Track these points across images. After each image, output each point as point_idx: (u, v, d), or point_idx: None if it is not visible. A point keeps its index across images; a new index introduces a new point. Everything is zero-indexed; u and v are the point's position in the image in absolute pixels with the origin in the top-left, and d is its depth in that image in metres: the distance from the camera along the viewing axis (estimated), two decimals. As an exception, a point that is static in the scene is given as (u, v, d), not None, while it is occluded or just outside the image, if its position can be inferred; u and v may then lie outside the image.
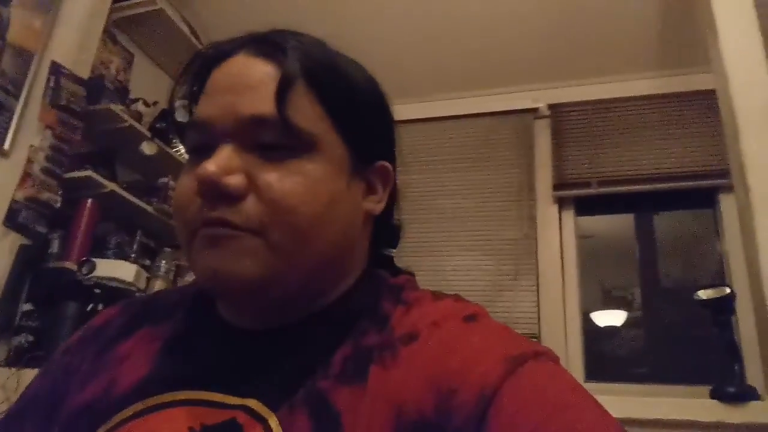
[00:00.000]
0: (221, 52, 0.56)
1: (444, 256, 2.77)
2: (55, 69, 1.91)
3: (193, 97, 0.57)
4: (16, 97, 1.82)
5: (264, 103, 0.50)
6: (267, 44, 0.54)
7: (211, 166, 0.48)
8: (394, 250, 0.69)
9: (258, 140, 0.51)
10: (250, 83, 0.52)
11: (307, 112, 0.52)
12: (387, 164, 0.61)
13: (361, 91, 0.58)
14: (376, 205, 0.60)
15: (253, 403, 0.49)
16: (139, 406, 0.51)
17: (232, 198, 0.49)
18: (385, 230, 0.65)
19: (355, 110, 0.56)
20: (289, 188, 0.50)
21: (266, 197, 0.49)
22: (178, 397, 0.51)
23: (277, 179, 0.50)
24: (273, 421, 0.47)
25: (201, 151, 0.53)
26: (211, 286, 0.52)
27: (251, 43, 0.55)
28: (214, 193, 0.49)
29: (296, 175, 0.50)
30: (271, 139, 0.51)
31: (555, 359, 0.49)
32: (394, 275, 0.62)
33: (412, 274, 0.66)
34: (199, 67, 0.57)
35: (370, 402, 0.47)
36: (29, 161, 1.79)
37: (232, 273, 0.49)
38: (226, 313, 0.58)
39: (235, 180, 0.49)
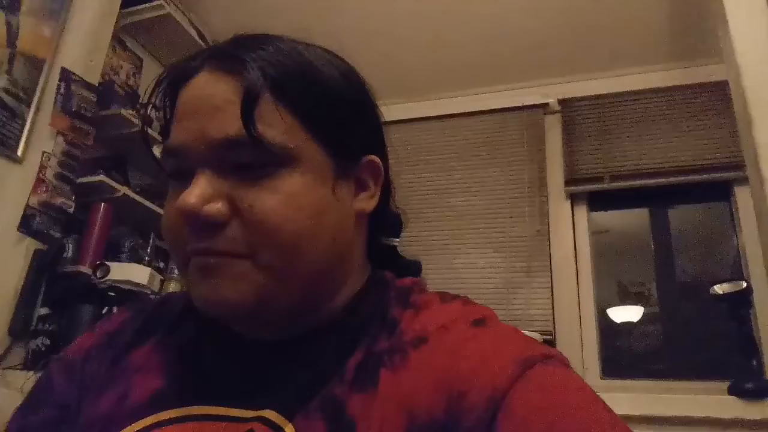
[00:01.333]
0: (185, 71, 0.54)
1: (456, 254, 2.76)
2: (66, 75, 1.93)
3: (167, 121, 0.56)
4: (28, 104, 1.84)
5: (232, 124, 0.49)
6: (228, 58, 0.52)
7: (190, 197, 0.48)
8: (397, 240, 0.68)
9: (233, 162, 0.50)
10: (216, 103, 0.50)
11: (277, 125, 0.50)
12: (374, 158, 0.59)
13: (335, 89, 0.56)
14: (368, 202, 0.59)
15: (269, 413, 0.49)
16: (151, 419, 0.51)
17: (215, 226, 0.49)
18: (383, 222, 0.64)
19: (331, 111, 0.54)
20: (270, 207, 0.49)
21: (249, 220, 0.49)
22: (193, 412, 0.51)
23: (257, 200, 0.49)
24: (289, 430, 0.47)
25: (180, 176, 0.52)
26: (208, 313, 0.51)
27: (213, 59, 0.53)
28: (197, 224, 0.49)
29: (276, 193, 0.49)
30: (246, 159, 0.49)
31: (565, 362, 0.49)
32: (399, 274, 0.62)
33: (418, 264, 0.66)
34: (167, 90, 0.56)
35: (381, 406, 0.47)
36: (42, 167, 1.81)
37: (226, 300, 0.49)
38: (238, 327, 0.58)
39: (216, 208, 0.49)
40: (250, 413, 0.49)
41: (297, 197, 0.50)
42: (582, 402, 0.44)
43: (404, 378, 0.48)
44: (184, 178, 0.51)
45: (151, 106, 0.57)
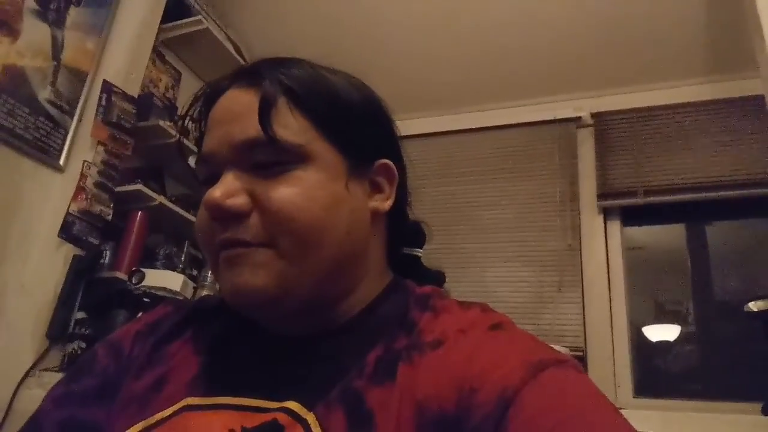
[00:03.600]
0: (216, 90, 0.61)
1: (486, 267, 2.75)
2: (107, 88, 2.00)
3: (201, 135, 0.62)
4: (71, 115, 1.91)
5: (252, 128, 0.55)
6: (248, 75, 0.59)
7: (215, 192, 0.53)
8: (420, 251, 0.71)
9: (253, 161, 0.55)
10: (238, 112, 0.57)
11: (292, 127, 0.56)
12: (387, 162, 0.63)
13: (345, 97, 0.61)
14: (383, 203, 0.62)
15: (291, 404, 0.51)
16: (181, 404, 0.55)
17: (239, 217, 0.54)
18: (403, 229, 0.68)
19: (341, 115, 0.59)
20: (285, 198, 0.54)
21: (268, 210, 0.54)
22: (219, 402, 0.54)
23: (274, 192, 0.54)
24: (311, 419, 0.49)
25: (212, 181, 0.57)
26: (235, 302, 0.56)
27: (239, 77, 0.60)
28: (221, 215, 0.54)
29: (291, 186, 0.54)
30: (264, 158, 0.55)
31: (577, 368, 0.49)
32: (420, 282, 0.64)
33: (442, 275, 0.69)
34: (202, 108, 0.63)
35: (398, 399, 0.49)
36: (83, 176, 1.87)
37: (250, 287, 0.53)
38: (265, 323, 0.61)
39: (238, 200, 0.54)
40: (273, 404, 0.52)
41: (310, 190, 0.55)
42: (593, 405, 0.44)
43: (419, 373, 0.50)
44: (214, 183, 0.56)
45: (188, 119, 0.65)
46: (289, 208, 0.53)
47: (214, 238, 0.55)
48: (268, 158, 0.55)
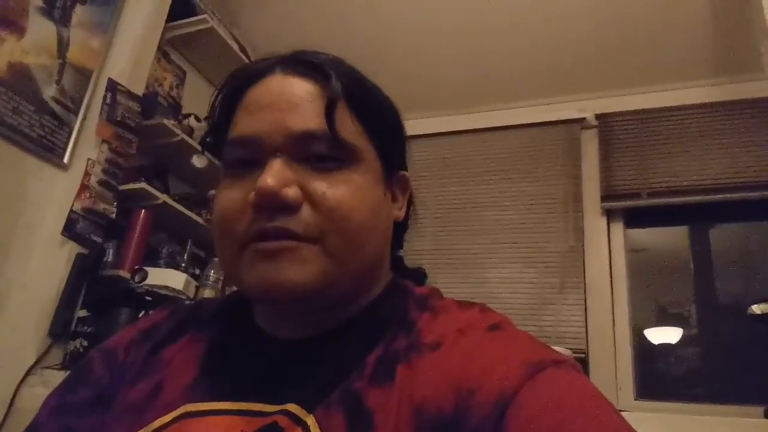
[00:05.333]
0: (256, 72, 0.59)
1: (488, 268, 2.74)
2: (112, 86, 2.00)
3: (228, 115, 0.60)
4: (76, 113, 1.92)
5: (312, 119, 0.54)
6: (303, 64, 0.58)
7: (270, 179, 0.51)
8: (401, 251, 0.71)
9: (307, 153, 0.54)
10: (294, 100, 0.55)
11: (348, 128, 0.56)
12: (406, 174, 0.66)
13: (386, 109, 0.63)
14: (399, 212, 0.64)
15: (291, 407, 0.50)
16: (180, 410, 0.54)
17: (290, 209, 0.52)
18: (400, 235, 0.69)
19: (384, 126, 0.61)
20: (341, 196, 0.53)
21: (321, 206, 0.53)
22: (218, 407, 0.53)
23: (329, 188, 0.53)
24: (311, 421, 0.49)
25: (243, 166, 0.55)
26: (269, 296, 0.54)
27: (286, 63, 0.58)
28: (273, 204, 0.52)
29: (345, 184, 0.54)
30: (322, 151, 0.54)
31: (576, 368, 0.49)
32: (418, 284, 0.64)
33: (422, 271, 0.70)
34: (234, 87, 0.60)
35: (397, 399, 0.48)
36: (87, 174, 1.87)
37: (293, 282, 0.51)
38: (264, 324, 0.61)
39: (293, 191, 0.52)
40: (273, 407, 0.51)
41: (362, 191, 0.55)
42: (591, 406, 0.44)
43: (418, 374, 0.50)
44: (250, 167, 0.55)
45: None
46: (345, 206, 0.53)
47: (250, 226, 0.53)
48: (326, 152, 0.54)
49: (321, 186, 0.53)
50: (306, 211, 0.52)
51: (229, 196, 0.55)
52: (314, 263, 0.52)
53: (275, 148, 0.54)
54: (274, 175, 0.51)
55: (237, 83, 0.60)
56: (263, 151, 0.54)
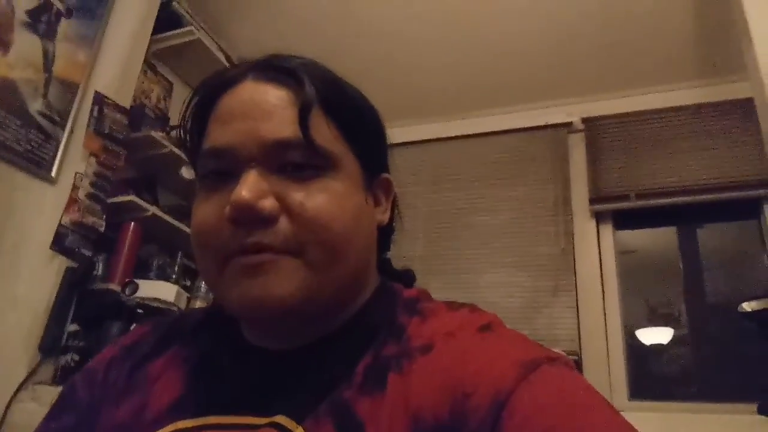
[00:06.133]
0: (228, 80, 0.57)
1: (480, 272, 2.75)
2: (99, 99, 2.00)
3: (201, 125, 0.58)
4: (63, 127, 1.91)
5: (286, 127, 0.52)
6: (276, 70, 0.56)
7: (244, 191, 0.49)
8: (389, 253, 0.70)
9: (282, 162, 0.52)
10: (267, 108, 0.53)
11: (324, 134, 0.54)
12: (388, 176, 0.64)
13: (364, 111, 0.61)
14: (383, 215, 0.62)
15: (281, 419, 0.50)
16: (169, 428, 0.53)
17: (267, 221, 0.50)
18: (386, 238, 0.67)
19: (362, 129, 0.59)
20: (319, 205, 0.51)
21: (299, 217, 0.51)
22: (207, 422, 0.52)
23: (306, 198, 0.51)
24: None
25: (218, 178, 0.54)
26: (252, 312, 0.52)
27: (258, 69, 0.56)
28: (249, 218, 0.50)
29: (323, 193, 0.52)
30: (298, 160, 0.52)
31: (569, 365, 0.49)
32: (406, 286, 0.64)
33: (411, 273, 0.69)
34: (206, 96, 0.58)
35: (389, 409, 0.48)
36: (75, 187, 1.87)
37: (275, 297, 0.50)
38: (250, 335, 0.59)
39: (269, 203, 0.50)
40: (262, 420, 0.50)
41: (341, 199, 0.53)
42: (587, 403, 0.44)
43: (411, 381, 0.49)
44: (224, 178, 0.53)
45: (185, 122, 0.60)
46: (324, 216, 0.51)
47: (228, 242, 0.51)
48: (301, 160, 0.52)
49: (298, 196, 0.51)
50: (284, 223, 0.51)
51: (205, 211, 0.53)
52: (296, 276, 0.50)
53: (250, 159, 0.52)
54: (249, 187, 0.50)
55: (209, 92, 0.58)
56: (237, 162, 0.52)
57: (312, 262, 0.51)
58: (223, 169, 0.53)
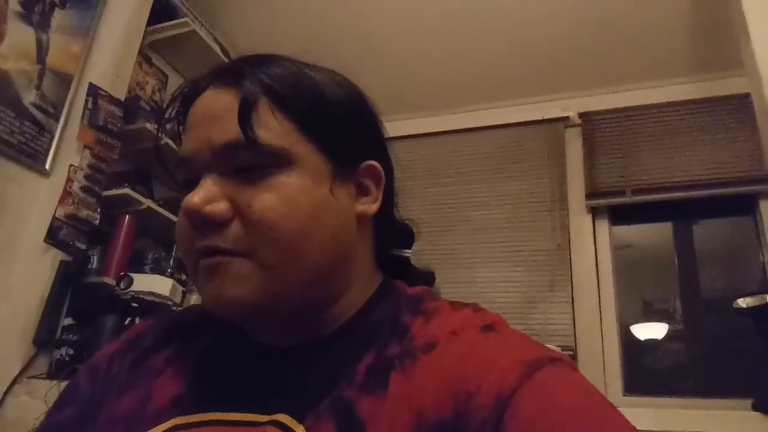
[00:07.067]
0: (195, 90, 0.58)
1: (476, 268, 2.76)
2: (93, 91, 1.98)
3: (178, 135, 0.60)
4: (57, 119, 1.89)
5: (232, 130, 0.52)
6: (228, 74, 0.56)
7: (194, 198, 0.51)
8: (409, 251, 0.69)
9: (233, 165, 0.53)
10: (218, 113, 0.54)
11: (274, 129, 0.53)
12: (374, 163, 0.61)
13: (330, 97, 0.58)
14: (370, 206, 0.60)
15: (282, 417, 0.50)
16: (170, 423, 0.53)
17: (219, 225, 0.51)
18: (391, 230, 0.66)
19: (326, 116, 0.57)
20: (267, 205, 0.51)
21: (249, 218, 0.51)
22: (209, 418, 0.52)
23: (255, 199, 0.51)
24: (301, 431, 0.48)
25: (191, 185, 0.54)
26: (217, 313, 0.54)
27: (217, 77, 0.57)
28: (200, 222, 0.51)
29: (272, 191, 0.52)
30: (245, 161, 0.52)
31: (572, 365, 0.49)
32: (411, 284, 0.63)
33: (432, 275, 0.67)
34: (180, 109, 0.60)
35: (391, 409, 0.48)
36: (69, 180, 1.85)
37: (230, 299, 0.51)
38: (252, 332, 0.59)
39: (218, 207, 0.51)
40: (264, 417, 0.50)
41: (294, 196, 0.52)
42: (590, 403, 0.44)
43: (414, 381, 0.49)
44: (194, 186, 0.54)
45: (168, 120, 0.62)
46: (272, 216, 0.51)
47: (192, 245, 0.53)
48: (249, 162, 0.52)
49: (247, 197, 0.51)
50: (235, 226, 0.51)
51: (181, 218, 0.54)
52: (250, 278, 0.51)
53: (205, 166, 0.53)
54: (200, 192, 0.51)
55: (181, 104, 0.60)
56: (196, 169, 0.54)
57: (265, 263, 0.51)
58: (191, 177, 0.55)
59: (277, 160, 0.53)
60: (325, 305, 0.57)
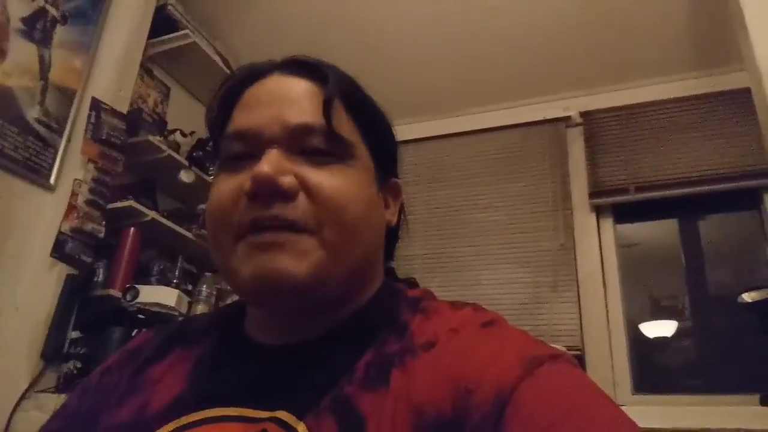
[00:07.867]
0: (255, 73, 0.61)
1: (480, 269, 2.75)
2: (96, 105, 1.99)
3: (226, 113, 0.61)
4: (60, 134, 1.91)
5: (309, 114, 0.56)
6: (302, 66, 0.60)
7: (266, 166, 0.52)
8: (393, 262, 0.72)
9: (303, 146, 0.55)
10: (292, 96, 0.57)
11: (344, 125, 0.58)
12: (398, 181, 0.67)
13: (379, 115, 0.65)
14: (392, 217, 0.65)
15: (282, 414, 0.50)
16: (172, 425, 0.53)
17: (286, 197, 0.52)
18: (392, 243, 0.69)
19: (377, 130, 0.63)
20: (338, 187, 0.54)
21: (317, 196, 0.53)
22: (210, 415, 0.53)
23: (325, 180, 0.54)
24: (301, 429, 0.48)
25: (239, 161, 0.56)
26: (263, 290, 0.53)
27: (285, 65, 0.61)
28: (269, 191, 0.52)
29: (342, 177, 0.55)
30: (319, 145, 0.55)
31: (572, 362, 0.49)
32: (411, 288, 0.64)
33: (414, 282, 0.69)
34: (233, 87, 0.62)
35: (392, 405, 0.48)
36: (74, 194, 1.86)
37: (284, 272, 0.51)
38: (253, 330, 0.61)
39: (289, 179, 0.53)
40: (264, 414, 0.51)
41: (357, 185, 0.56)
42: (590, 400, 0.44)
43: (414, 377, 0.49)
44: (246, 161, 0.55)
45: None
46: (342, 197, 0.54)
47: (244, 213, 0.53)
48: (322, 146, 0.55)
49: (317, 177, 0.54)
50: (302, 200, 0.53)
51: (224, 188, 0.55)
52: (311, 255, 0.52)
53: (272, 141, 0.55)
54: (271, 162, 0.52)
55: (235, 83, 0.62)
56: (260, 143, 0.55)
57: (328, 242, 0.53)
58: (246, 152, 0.56)
59: (345, 152, 0.57)
60: (349, 298, 0.59)
